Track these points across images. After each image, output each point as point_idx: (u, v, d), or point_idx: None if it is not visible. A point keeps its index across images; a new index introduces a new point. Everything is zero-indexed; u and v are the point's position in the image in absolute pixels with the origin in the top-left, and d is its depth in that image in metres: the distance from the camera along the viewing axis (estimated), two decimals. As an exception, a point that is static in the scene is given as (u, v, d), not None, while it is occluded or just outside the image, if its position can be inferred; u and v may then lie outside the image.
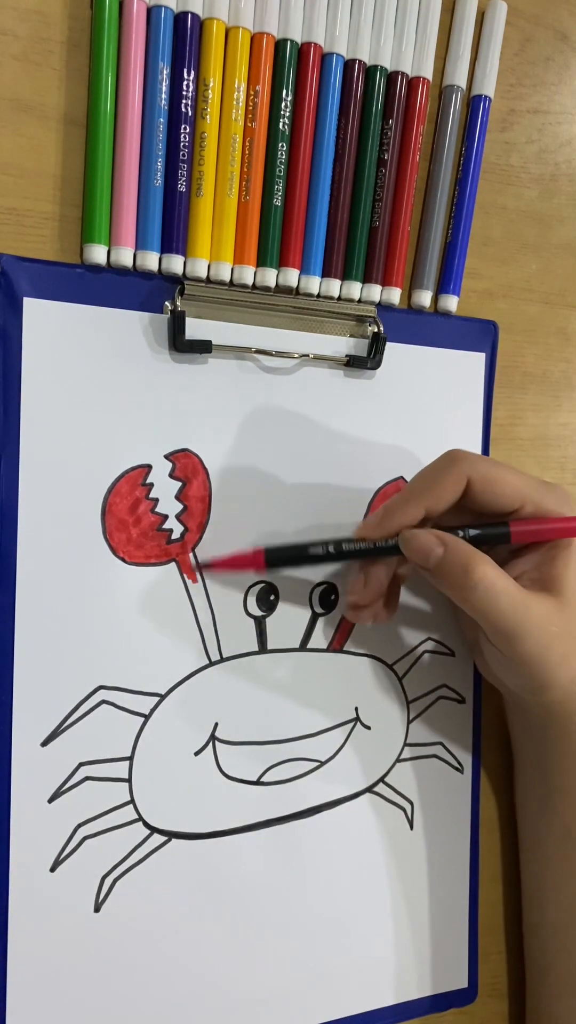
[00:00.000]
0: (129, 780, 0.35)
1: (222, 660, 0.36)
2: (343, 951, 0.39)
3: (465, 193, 0.40)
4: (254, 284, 0.36)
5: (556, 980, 0.39)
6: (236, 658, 0.37)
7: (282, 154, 0.36)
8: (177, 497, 0.35)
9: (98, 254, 0.33)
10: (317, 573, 0.38)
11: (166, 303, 0.35)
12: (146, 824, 0.35)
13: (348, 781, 0.39)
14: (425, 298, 0.40)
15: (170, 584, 0.35)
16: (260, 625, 0.37)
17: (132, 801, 0.35)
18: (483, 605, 0.32)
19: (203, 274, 0.35)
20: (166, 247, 0.34)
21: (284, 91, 0.35)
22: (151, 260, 0.34)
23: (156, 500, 0.35)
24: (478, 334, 0.42)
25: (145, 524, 0.35)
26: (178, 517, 0.35)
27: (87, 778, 0.34)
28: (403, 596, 0.40)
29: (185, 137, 0.34)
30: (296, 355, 0.37)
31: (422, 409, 0.41)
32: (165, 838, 0.35)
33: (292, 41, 0.35)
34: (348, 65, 0.37)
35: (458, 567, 0.32)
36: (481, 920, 0.43)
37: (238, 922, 0.37)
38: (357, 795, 0.40)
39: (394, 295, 0.39)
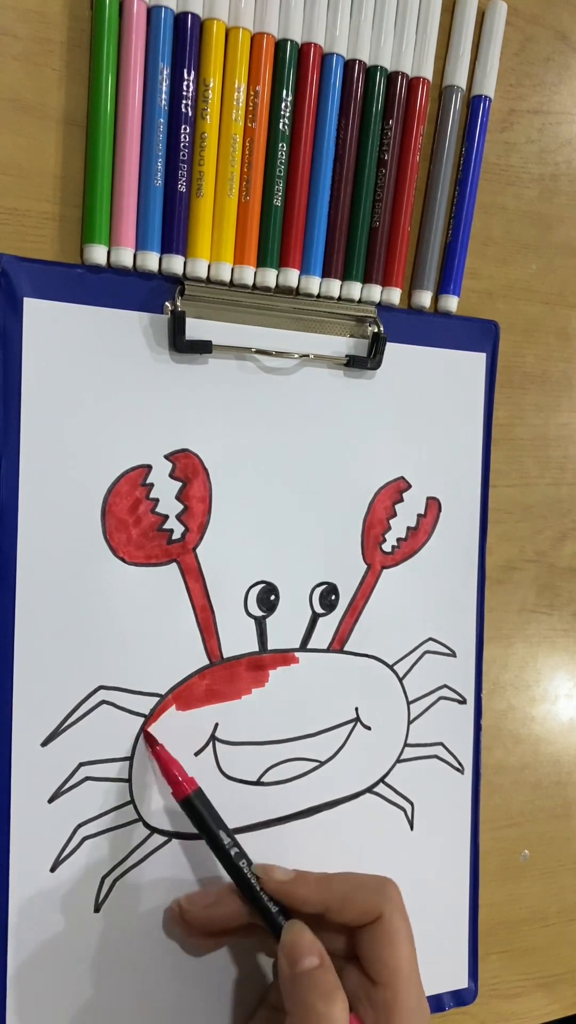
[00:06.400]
0: (129, 780, 0.35)
1: (222, 660, 0.36)
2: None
3: (465, 193, 0.40)
4: (254, 284, 0.36)
5: None
6: (236, 658, 0.37)
7: (282, 154, 0.36)
8: (177, 497, 0.35)
9: (98, 254, 0.33)
10: (317, 574, 0.38)
11: (166, 303, 0.35)
12: (146, 824, 0.35)
13: (348, 781, 0.39)
14: (425, 298, 0.40)
15: (170, 584, 0.35)
16: (260, 625, 0.37)
17: (132, 801, 0.35)
18: None
19: (203, 274, 0.35)
20: (166, 247, 0.34)
21: (284, 91, 0.35)
22: (151, 260, 0.34)
23: (156, 500, 0.35)
24: (479, 334, 0.42)
25: (145, 524, 0.35)
26: (178, 517, 0.35)
27: (87, 778, 0.34)
28: (403, 596, 0.40)
29: (185, 137, 0.34)
30: (296, 355, 0.37)
31: (422, 409, 0.41)
32: (165, 838, 0.35)
33: (292, 41, 0.35)
34: (348, 65, 0.37)
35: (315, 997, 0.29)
36: (481, 920, 0.43)
37: (238, 922, 0.37)
38: (357, 795, 0.40)
39: (394, 295, 0.39)
